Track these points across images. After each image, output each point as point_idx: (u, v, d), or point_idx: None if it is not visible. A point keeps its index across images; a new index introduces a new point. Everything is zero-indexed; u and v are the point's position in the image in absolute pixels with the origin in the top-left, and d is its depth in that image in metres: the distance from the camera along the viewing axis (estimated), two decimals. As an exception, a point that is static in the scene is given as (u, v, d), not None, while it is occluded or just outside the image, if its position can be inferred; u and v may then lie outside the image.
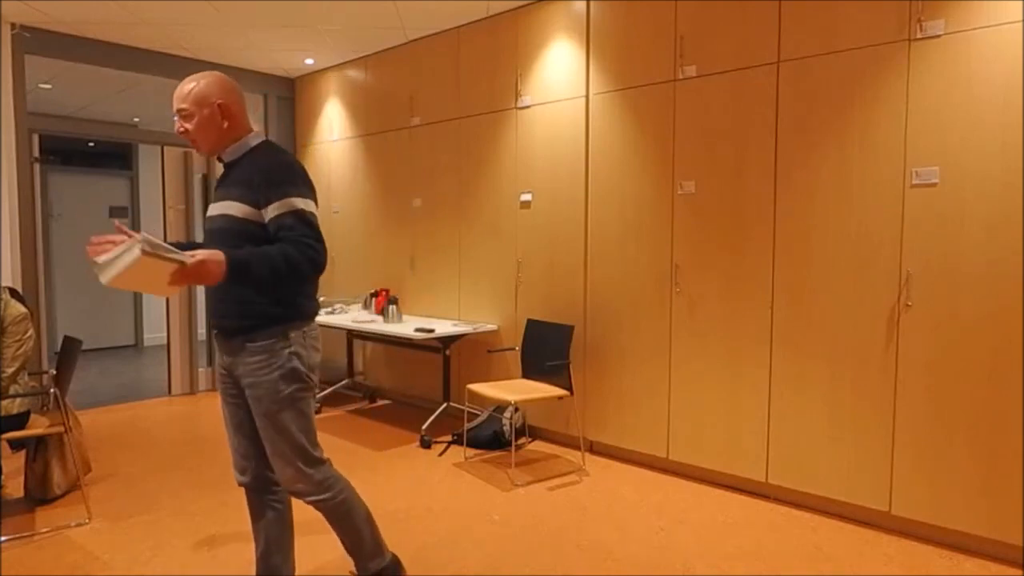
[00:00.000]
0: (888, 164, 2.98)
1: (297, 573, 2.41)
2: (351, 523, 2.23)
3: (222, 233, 2.04)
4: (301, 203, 1.99)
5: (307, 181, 2.07)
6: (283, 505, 2.31)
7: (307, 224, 1.97)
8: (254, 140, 2.14)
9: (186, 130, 2.07)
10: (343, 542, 2.27)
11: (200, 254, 1.76)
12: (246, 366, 2.08)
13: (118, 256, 1.67)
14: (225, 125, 2.08)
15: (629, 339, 3.94)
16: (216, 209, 2.09)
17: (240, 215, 2.01)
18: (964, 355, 2.81)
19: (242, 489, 2.31)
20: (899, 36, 2.92)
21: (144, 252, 1.63)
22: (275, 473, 2.20)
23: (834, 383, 3.18)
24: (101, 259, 1.70)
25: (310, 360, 2.12)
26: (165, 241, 1.87)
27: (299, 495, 2.16)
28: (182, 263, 1.71)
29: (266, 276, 1.87)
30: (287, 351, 2.06)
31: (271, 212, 1.97)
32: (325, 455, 2.21)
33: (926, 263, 2.89)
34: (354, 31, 4.96)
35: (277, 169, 2.02)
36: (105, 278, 1.69)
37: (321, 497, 2.15)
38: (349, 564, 2.42)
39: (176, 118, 2.08)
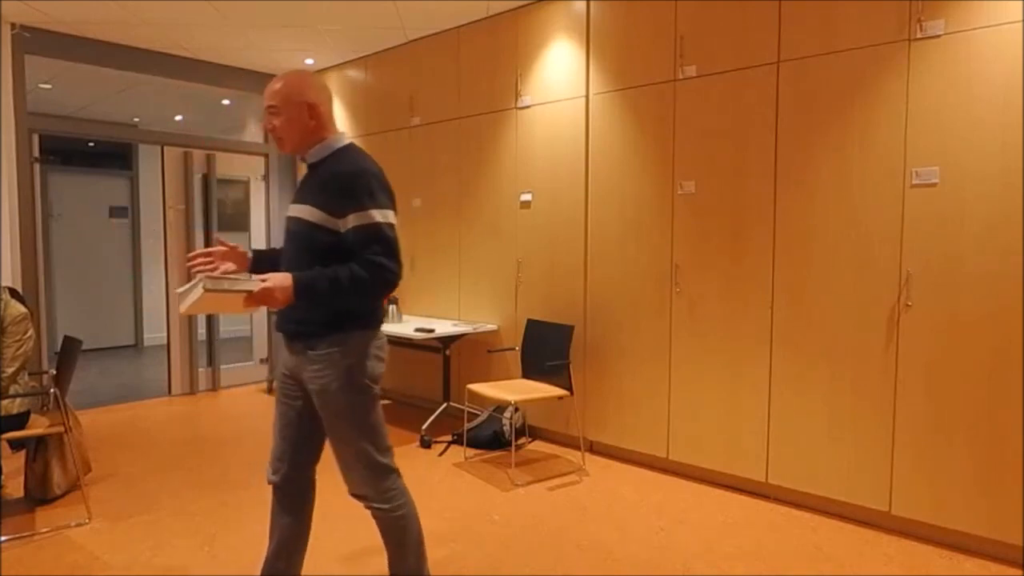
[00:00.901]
0: (888, 164, 2.98)
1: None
2: (402, 542, 2.17)
3: (296, 236, 2.06)
4: (378, 215, 1.97)
5: (386, 189, 2.05)
6: (304, 512, 2.27)
7: (381, 240, 1.95)
8: (338, 143, 2.11)
9: (273, 127, 2.08)
10: (389, 557, 2.22)
11: (270, 279, 1.85)
12: (308, 372, 2.08)
13: (189, 290, 1.86)
14: (311, 124, 2.07)
15: (629, 339, 3.94)
16: (294, 211, 2.09)
17: (315, 220, 2.00)
18: (964, 355, 2.81)
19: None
20: (899, 36, 2.92)
21: (206, 289, 1.80)
22: (311, 477, 2.24)
23: (834, 383, 3.18)
24: (179, 290, 1.90)
25: (372, 369, 2.10)
26: (243, 253, 2.17)
27: (361, 500, 2.14)
28: (249, 291, 1.84)
29: (332, 297, 1.91)
30: (347, 360, 2.04)
31: (348, 223, 1.96)
32: (395, 466, 2.16)
33: (926, 263, 2.89)
34: (354, 31, 4.96)
35: (356, 177, 1.99)
36: (181, 308, 1.91)
37: (381, 506, 2.12)
38: None
39: (265, 114, 2.10)
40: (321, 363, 2.04)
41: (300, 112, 2.05)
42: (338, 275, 1.90)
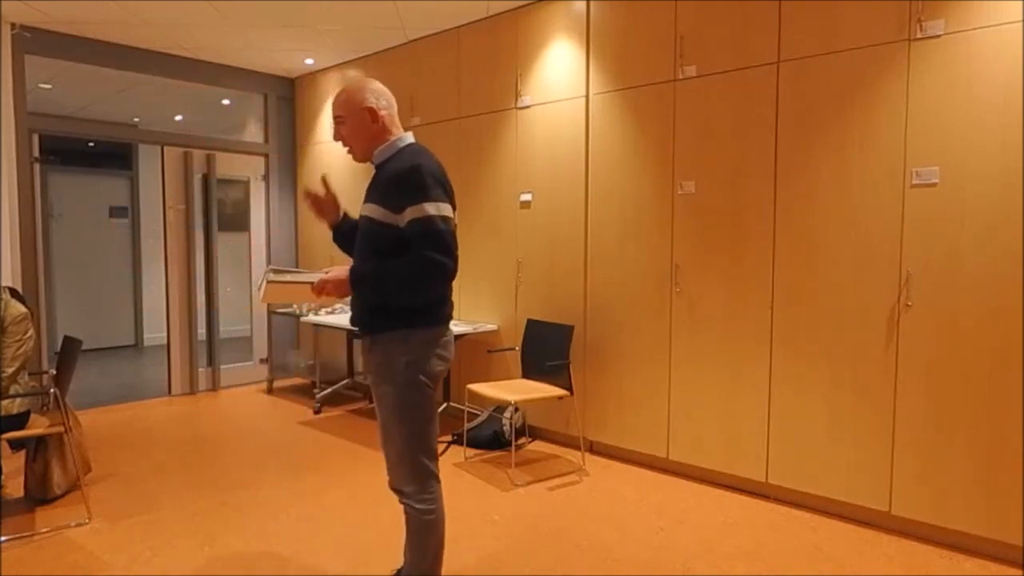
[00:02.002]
0: (888, 164, 2.98)
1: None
2: (425, 543, 2.21)
3: (364, 234, 2.16)
4: (432, 209, 2.02)
5: (441, 183, 2.10)
6: (410, 510, 2.22)
7: (435, 233, 2.00)
8: (401, 142, 2.19)
9: (342, 136, 2.20)
10: (405, 553, 2.26)
11: (330, 272, 2.06)
12: (369, 363, 2.19)
13: (262, 282, 2.11)
14: (375, 128, 2.16)
15: (629, 339, 3.94)
16: (363, 210, 2.18)
17: (379, 218, 2.08)
18: (964, 355, 2.81)
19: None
20: (899, 36, 2.92)
21: (268, 281, 2.00)
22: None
23: (834, 383, 3.18)
24: (258, 283, 2.14)
25: (429, 367, 2.12)
26: (337, 205, 2.34)
27: (398, 495, 2.21)
28: (310, 283, 2.05)
29: (383, 291, 2.03)
30: (407, 356, 2.09)
31: (406, 217, 2.03)
32: (436, 470, 2.21)
33: (926, 263, 2.89)
34: (354, 31, 4.96)
35: (411, 173, 2.05)
36: (260, 298, 2.15)
37: (415, 505, 2.17)
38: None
39: (333, 125, 2.23)
40: (380, 355, 2.13)
41: (363, 118, 2.15)
42: (387, 270, 2.02)
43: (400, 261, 2.01)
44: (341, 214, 2.36)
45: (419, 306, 2.10)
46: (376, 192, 2.12)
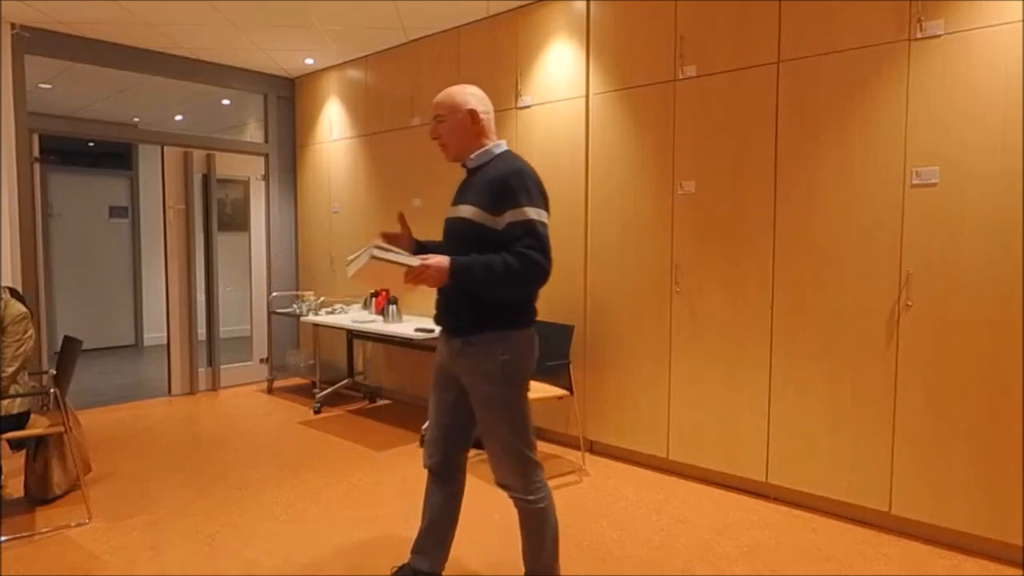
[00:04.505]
0: (888, 164, 2.98)
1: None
2: (541, 532, 2.27)
3: (455, 234, 2.21)
4: (533, 213, 2.08)
5: (540, 190, 2.17)
6: (456, 496, 2.38)
7: (534, 235, 2.06)
8: (498, 149, 2.27)
9: (439, 135, 2.26)
10: (524, 547, 2.32)
11: (429, 259, 2.01)
12: (463, 365, 2.22)
13: (358, 256, 2.05)
14: (473, 130, 2.23)
15: (629, 339, 3.94)
16: (454, 212, 2.24)
17: (475, 219, 2.13)
18: (964, 355, 2.81)
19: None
20: (899, 36, 2.92)
21: (373, 256, 1.98)
22: (462, 463, 2.40)
23: (834, 383, 3.18)
24: (350, 256, 2.08)
25: (523, 364, 2.22)
26: (412, 238, 2.35)
27: (506, 490, 2.27)
28: (409, 266, 2.00)
29: (485, 282, 2.04)
30: (503, 356, 2.15)
31: (506, 219, 2.09)
32: (539, 459, 2.28)
33: (926, 263, 2.89)
34: (354, 31, 4.96)
35: (513, 177, 2.12)
36: (349, 272, 2.09)
37: (525, 497, 2.23)
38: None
39: (432, 123, 2.28)
40: (478, 357, 2.18)
41: (464, 119, 2.22)
42: (492, 261, 2.03)
43: (504, 256, 2.04)
44: (413, 245, 2.38)
45: (514, 305, 2.18)
46: (473, 195, 2.18)
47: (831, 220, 3.15)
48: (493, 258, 2.03)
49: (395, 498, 3.46)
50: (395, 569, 2.48)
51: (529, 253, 2.03)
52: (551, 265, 2.09)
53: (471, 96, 2.24)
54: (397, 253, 2.03)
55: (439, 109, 2.24)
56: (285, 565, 2.76)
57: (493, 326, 2.15)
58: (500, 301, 2.13)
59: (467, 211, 2.16)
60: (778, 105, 3.29)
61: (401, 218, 2.41)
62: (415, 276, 2.01)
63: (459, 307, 2.18)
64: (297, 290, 6.47)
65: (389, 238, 2.32)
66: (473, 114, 2.22)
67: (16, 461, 3.73)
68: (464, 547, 2.91)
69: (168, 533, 3.06)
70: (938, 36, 2.82)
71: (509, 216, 2.08)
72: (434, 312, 2.33)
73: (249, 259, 6.32)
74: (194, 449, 4.30)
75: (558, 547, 2.33)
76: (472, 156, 2.26)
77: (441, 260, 2.02)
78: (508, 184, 2.10)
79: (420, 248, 2.36)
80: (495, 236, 2.09)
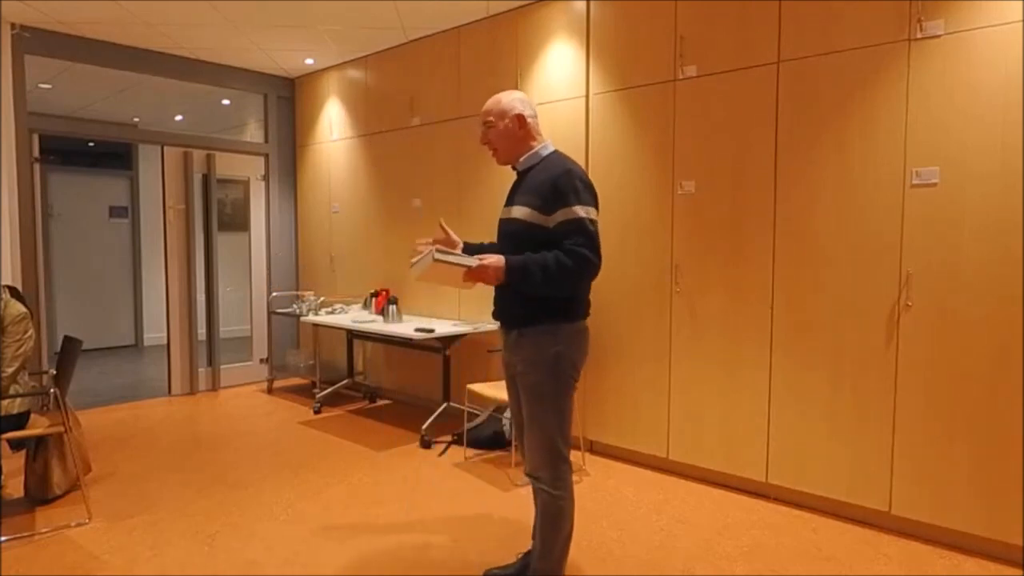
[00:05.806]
0: (888, 164, 2.98)
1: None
2: (555, 528, 2.32)
3: (510, 235, 2.31)
4: (582, 211, 2.17)
5: (590, 189, 2.25)
6: (545, 495, 2.31)
7: (585, 233, 2.15)
8: (546, 150, 2.36)
9: (489, 140, 2.36)
10: (535, 538, 2.38)
11: (487, 259, 2.14)
12: (518, 356, 2.32)
13: (420, 260, 2.17)
14: (520, 134, 2.33)
15: (629, 339, 3.94)
16: (508, 213, 2.34)
17: (528, 219, 2.23)
18: (964, 355, 2.81)
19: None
20: (899, 36, 2.92)
21: (435, 259, 2.11)
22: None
23: (834, 383, 3.18)
24: (413, 260, 2.20)
25: (574, 359, 2.31)
26: (474, 242, 2.51)
27: (534, 480, 2.32)
28: (468, 266, 2.14)
29: (540, 280, 2.12)
30: (553, 348, 2.24)
31: (556, 218, 2.18)
32: (569, 456, 2.32)
33: (926, 263, 2.89)
34: (354, 31, 4.96)
35: (564, 178, 2.20)
36: (413, 275, 2.22)
37: (551, 491, 2.28)
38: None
39: (481, 128, 2.39)
40: (530, 347, 2.27)
41: (511, 124, 2.32)
42: (546, 260, 2.12)
43: (557, 253, 2.12)
44: (460, 247, 2.45)
45: (567, 300, 2.25)
46: (524, 195, 2.27)
47: (831, 220, 3.15)
48: (546, 256, 2.13)
49: (395, 498, 3.46)
50: (519, 556, 2.59)
51: (579, 250, 2.12)
52: (601, 260, 2.17)
53: (517, 101, 2.33)
54: (456, 255, 2.18)
55: (488, 116, 2.34)
56: (285, 565, 2.76)
57: (545, 319, 2.24)
58: (552, 296, 2.21)
59: (520, 212, 2.26)
60: (778, 105, 3.29)
61: (443, 227, 2.49)
62: (472, 275, 2.15)
63: (514, 302, 2.28)
64: (297, 290, 6.47)
65: (441, 243, 2.43)
66: (520, 119, 2.31)
67: (16, 461, 3.72)
68: (465, 547, 2.91)
69: (168, 533, 3.06)
70: (938, 36, 2.82)
71: (559, 215, 2.16)
72: (492, 308, 2.43)
73: (249, 259, 6.32)
74: (194, 449, 4.30)
75: (568, 552, 2.35)
76: (521, 159, 2.35)
77: (498, 259, 2.14)
78: (557, 185, 2.18)
79: (475, 249, 2.44)
80: (547, 235, 2.18)
